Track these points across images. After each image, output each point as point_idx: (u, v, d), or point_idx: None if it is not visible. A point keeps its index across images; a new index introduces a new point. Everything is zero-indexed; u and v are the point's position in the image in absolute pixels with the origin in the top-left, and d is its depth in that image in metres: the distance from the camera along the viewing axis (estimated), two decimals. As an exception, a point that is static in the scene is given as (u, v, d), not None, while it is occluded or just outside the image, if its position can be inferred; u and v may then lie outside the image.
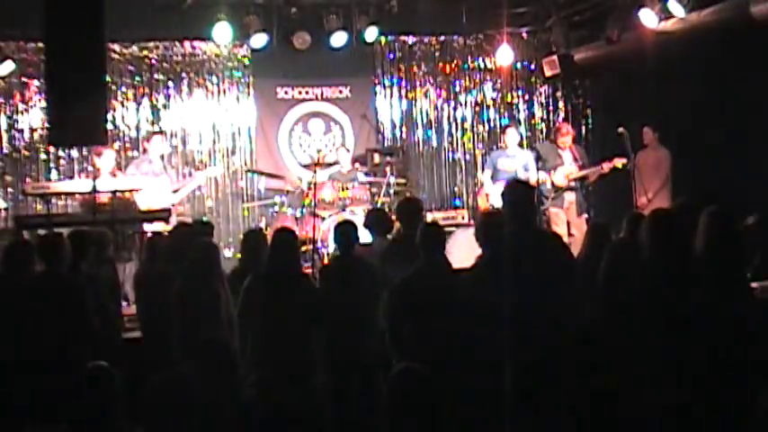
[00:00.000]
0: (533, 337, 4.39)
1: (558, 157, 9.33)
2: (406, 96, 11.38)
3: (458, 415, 4.10)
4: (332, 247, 7.87)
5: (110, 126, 9.54)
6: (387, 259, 5.56)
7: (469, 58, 11.51)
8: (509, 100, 11.62)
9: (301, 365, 5.04)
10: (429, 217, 9.00)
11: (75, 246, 5.64)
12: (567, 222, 9.22)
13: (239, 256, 6.62)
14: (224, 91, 10.77)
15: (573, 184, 9.30)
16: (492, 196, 9.47)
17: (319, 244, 9.09)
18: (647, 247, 4.27)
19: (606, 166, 9.07)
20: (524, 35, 11.32)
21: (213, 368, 3.94)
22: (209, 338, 4.33)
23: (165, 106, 10.54)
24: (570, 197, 9.30)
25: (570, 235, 8.95)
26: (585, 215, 9.31)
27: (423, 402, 3.47)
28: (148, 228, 8.06)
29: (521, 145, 10.09)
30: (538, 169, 9.29)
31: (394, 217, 6.54)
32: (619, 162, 8.88)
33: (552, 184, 9.27)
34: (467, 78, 11.55)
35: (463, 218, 9.71)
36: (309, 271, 8.13)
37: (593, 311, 4.72)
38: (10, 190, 9.84)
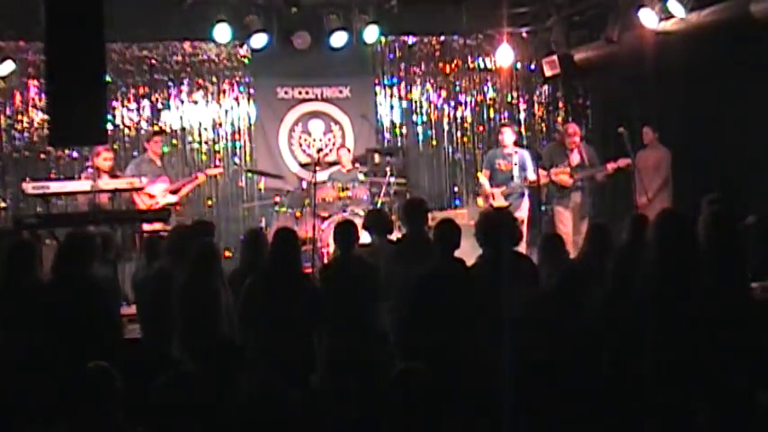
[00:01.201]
0: (534, 337, 4.40)
1: (566, 158, 9.33)
2: (406, 96, 11.39)
3: (459, 415, 4.10)
4: (332, 247, 7.86)
5: (110, 126, 9.54)
6: (391, 260, 5.55)
7: (469, 58, 11.51)
8: (509, 100, 11.62)
9: (302, 365, 5.04)
10: (429, 217, 9.00)
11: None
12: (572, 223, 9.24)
13: (239, 255, 6.61)
14: (224, 91, 10.77)
15: (579, 183, 9.29)
16: (492, 197, 9.45)
17: (319, 244, 9.09)
18: (654, 247, 4.26)
19: (610, 167, 9.08)
20: (524, 35, 11.31)
21: (224, 368, 3.94)
22: (221, 338, 4.33)
23: (165, 106, 10.54)
24: (576, 198, 9.30)
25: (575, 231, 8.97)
26: (587, 219, 9.24)
27: (423, 403, 3.47)
28: (148, 228, 8.06)
29: (519, 144, 10.09)
30: (542, 168, 9.27)
31: (395, 217, 6.54)
32: (623, 163, 8.89)
33: (555, 183, 9.27)
34: (467, 78, 11.55)
35: (463, 218, 9.71)
36: (309, 271, 8.14)
37: (593, 312, 4.72)
38: (10, 190, 9.84)
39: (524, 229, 9.11)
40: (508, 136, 9.56)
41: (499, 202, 9.31)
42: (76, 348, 4.85)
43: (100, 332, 5.07)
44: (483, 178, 9.62)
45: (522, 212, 9.34)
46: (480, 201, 9.72)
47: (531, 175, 9.25)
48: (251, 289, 5.20)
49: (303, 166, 10.59)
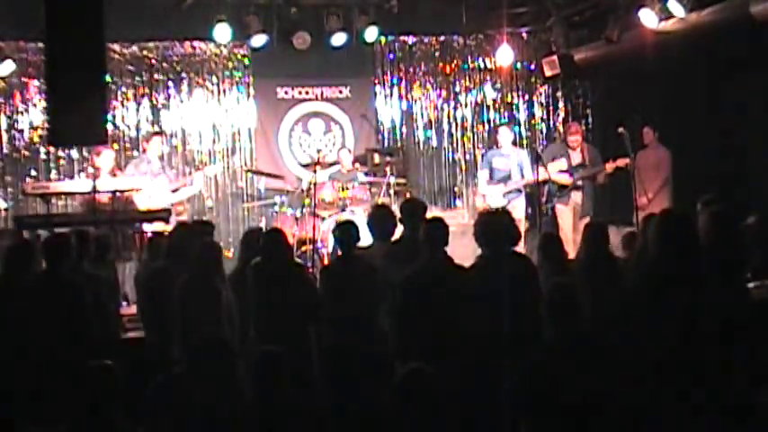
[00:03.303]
0: (532, 336, 4.40)
1: (567, 157, 9.34)
2: (406, 96, 11.39)
3: (463, 414, 4.10)
4: (332, 247, 7.87)
5: (110, 126, 9.54)
6: (388, 260, 5.55)
7: (469, 58, 11.51)
8: (509, 100, 11.62)
9: (298, 360, 5.04)
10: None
11: (77, 246, 5.65)
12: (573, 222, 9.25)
13: (238, 256, 6.61)
14: (224, 91, 10.77)
15: (579, 183, 9.30)
16: (489, 197, 9.46)
17: (319, 244, 9.09)
18: (654, 247, 4.26)
19: (610, 166, 9.09)
20: (524, 35, 11.31)
21: (211, 367, 3.94)
22: (207, 336, 4.33)
23: (165, 106, 10.54)
24: (576, 197, 9.30)
25: (574, 231, 8.97)
26: (587, 218, 9.24)
27: (431, 403, 3.47)
28: (148, 228, 8.07)
29: (517, 144, 10.10)
30: (543, 166, 9.26)
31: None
32: (622, 162, 8.89)
33: (555, 182, 9.27)
34: (467, 78, 11.54)
35: (463, 218, 9.71)
36: (309, 271, 8.13)
37: (594, 311, 4.73)
38: (10, 190, 9.84)
39: (521, 228, 9.14)
40: (505, 136, 9.60)
41: (497, 201, 9.32)
42: (59, 347, 4.89)
43: (80, 331, 5.10)
44: (481, 178, 9.63)
45: (520, 212, 9.36)
46: (479, 201, 9.73)
47: (530, 175, 9.27)
48: (248, 285, 5.25)
49: (303, 166, 10.59)
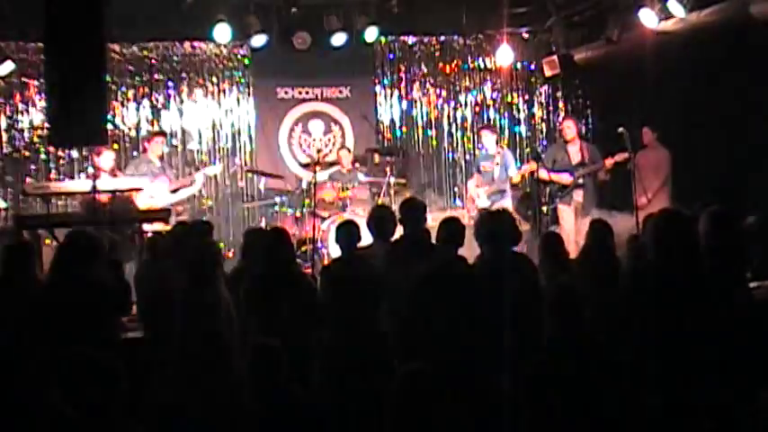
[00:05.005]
0: (533, 336, 4.40)
1: (566, 154, 9.35)
2: (406, 96, 11.39)
3: (463, 414, 4.10)
4: (332, 247, 7.87)
5: (110, 126, 9.54)
6: (388, 260, 5.55)
7: (469, 58, 11.52)
8: (509, 100, 11.63)
9: (299, 365, 5.04)
10: (429, 217, 9.00)
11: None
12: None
13: (239, 255, 6.61)
14: (224, 91, 10.78)
15: (581, 181, 9.31)
16: (477, 198, 9.47)
17: (319, 244, 9.09)
18: (652, 247, 4.26)
19: (609, 162, 9.10)
20: (524, 35, 11.32)
21: (210, 366, 3.94)
22: (205, 337, 4.33)
23: (165, 106, 10.55)
24: (578, 196, 9.30)
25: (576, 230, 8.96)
26: (589, 217, 9.24)
27: (431, 403, 3.47)
28: (148, 228, 8.06)
29: (517, 144, 10.11)
30: (543, 167, 9.27)
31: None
32: (620, 157, 8.89)
33: (555, 182, 9.28)
34: (467, 78, 11.55)
35: (463, 218, 9.71)
36: (309, 271, 8.13)
37: (592, 311, 4.72)
38: (10, 190, 9.84)
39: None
40: (486, 138, 9.68)
41: (482, 202, 9.35)
42: (62, 347, 4.85)
43: (94, 333, 5.07)
44: (471, 181, 9.72)
45: None
46: (468, 203, 9.78)
47: (513, 173, 9.33)
48: (249, 289, 5.22)
49: (303, 166, 10.59)
